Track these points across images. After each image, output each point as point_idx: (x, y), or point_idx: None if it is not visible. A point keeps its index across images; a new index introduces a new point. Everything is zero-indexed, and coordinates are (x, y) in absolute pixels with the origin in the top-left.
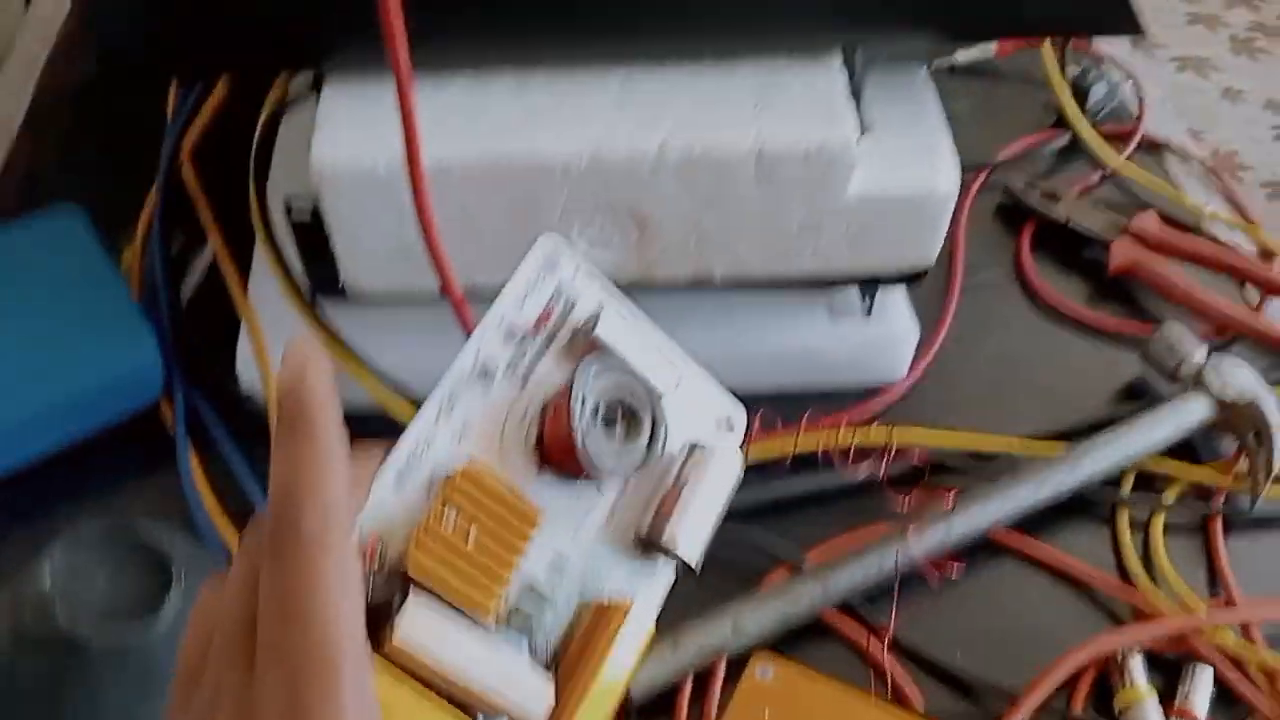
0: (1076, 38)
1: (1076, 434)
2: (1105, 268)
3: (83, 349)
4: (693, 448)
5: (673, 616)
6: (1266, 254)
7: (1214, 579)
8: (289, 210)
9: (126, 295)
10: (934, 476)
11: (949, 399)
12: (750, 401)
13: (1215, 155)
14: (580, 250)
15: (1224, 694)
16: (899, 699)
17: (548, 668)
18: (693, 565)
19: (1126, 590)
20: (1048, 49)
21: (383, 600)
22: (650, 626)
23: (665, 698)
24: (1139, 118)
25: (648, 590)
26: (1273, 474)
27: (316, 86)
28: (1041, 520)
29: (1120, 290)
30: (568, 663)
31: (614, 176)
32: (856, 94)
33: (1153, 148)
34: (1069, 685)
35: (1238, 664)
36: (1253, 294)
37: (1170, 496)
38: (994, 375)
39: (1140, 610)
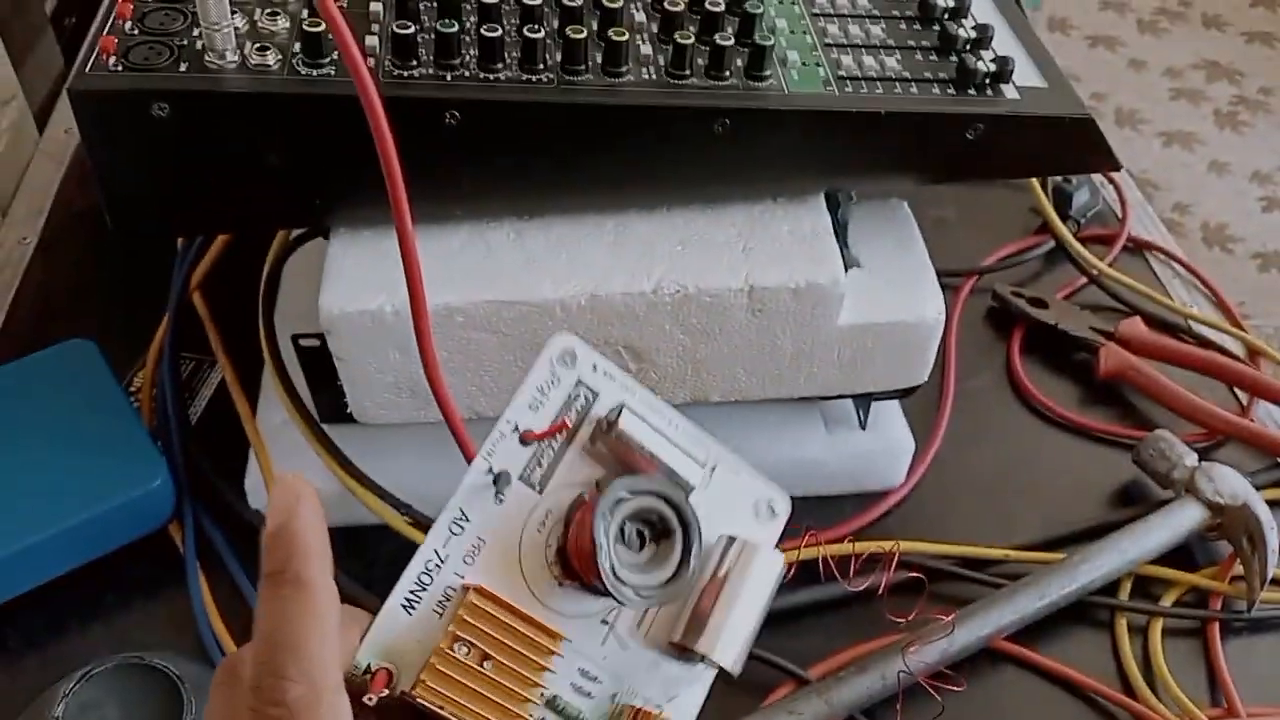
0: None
1: (1073, 540)
2: (1095, 371)
3: (95, 474)
4: (730, 540)
5: None
6: (1253, 355)
7: (1214, 686)
8: (296, 344)
9: (138, 421)
10: (934, 585)
11: (946, 506)
12: None
13: (1205, 228)
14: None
15: None
16: None
17: None
18: (732, 671)
19: (1127, 700)
20: None
21: None
22: None
23: None
24: (1122, 220)
25: (684, 699)
26: (1268, 577)
27: (324, 232)
28: (1041, 628)
29: (1112, 392)
30: None
31: (610, 315)
32: (841, 230)
33: (1137, 248)
34: None
35: None
36: (1242, 396)
37: (1168, 602)
38: (989, 481)
39: (1141, 718)
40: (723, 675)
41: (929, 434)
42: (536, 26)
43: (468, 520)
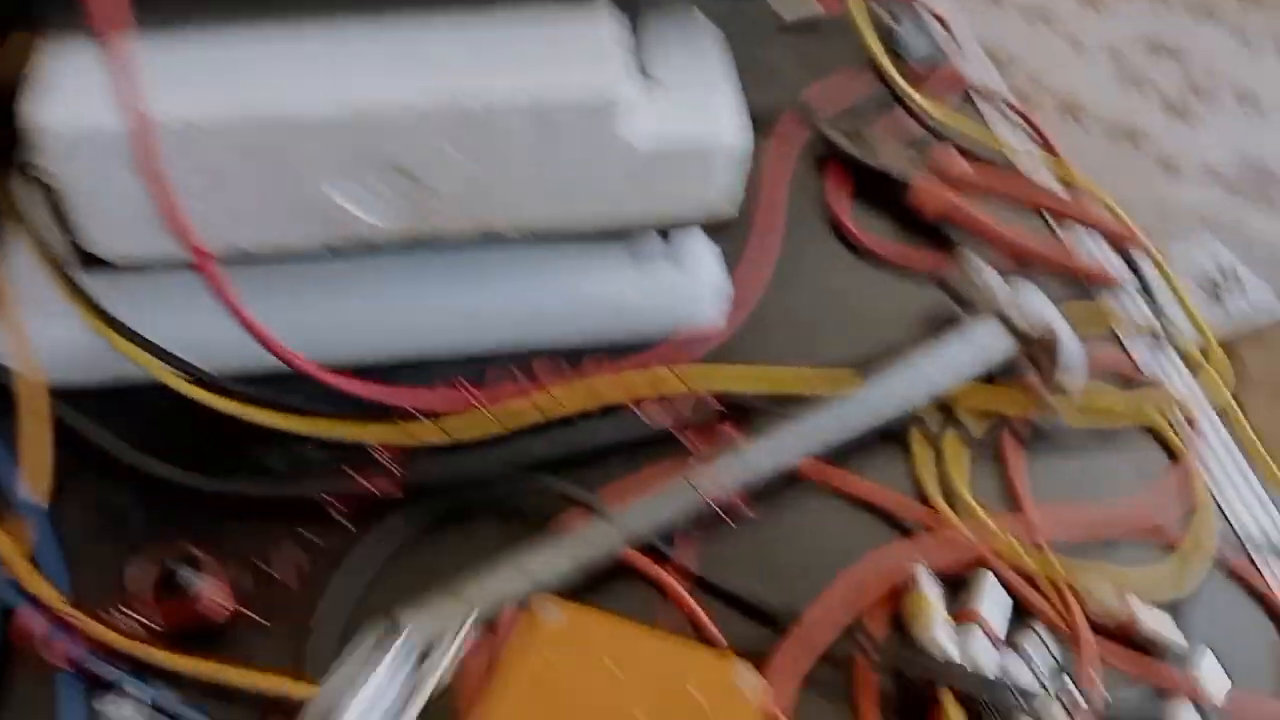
0: None
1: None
2: (912, 205)
3: None
4: None
5: (462, 568)
6: (1068, 184)
7: (1010, 498)
8: (25, 172)
9: None
10: (738, 420)
11: (762, 348)
12: (555, 352)
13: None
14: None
15: (1016, 607)
16: (700, 634)
17: None
18: None
19: (925, 513)
20: None
21: None
22: None
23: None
24: (949, 60)
25: None
26: (1064, 393)
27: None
28: (844, 452)
29: (930, 228)
30: None
31: (377, 131)
32: (635, 43)
33: (964, 88)
34: (862, 602)
35: (1029, 578)
36: (1055, 226)
37: (965, 418)
38: (807, 322)
39: (936, 529)
40: None
41: (744, 272)
42: None
43: None
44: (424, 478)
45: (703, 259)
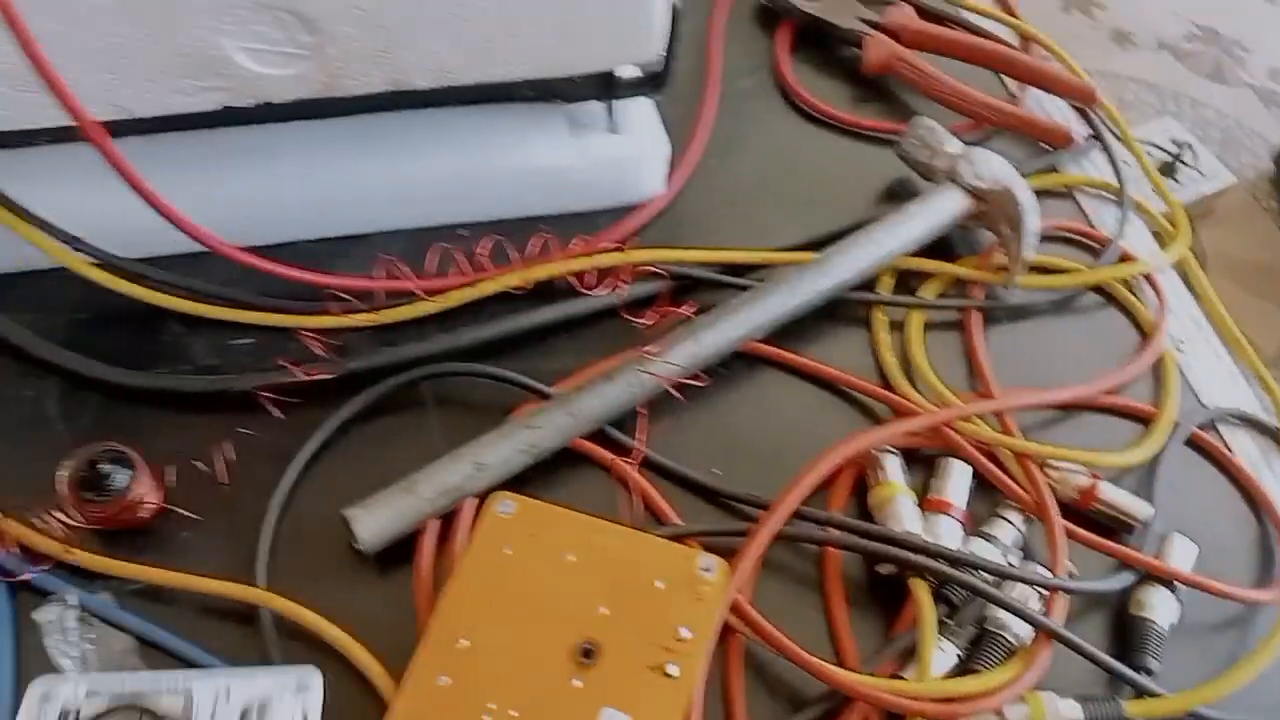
0: None
1: (836, 240)
2: (862, 64)
3: None
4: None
5: (413, 464)
6: (1025, 41)
7: (972, 374)
8: None
9: None
10: (694, 295)
11: (708, 215)
12: (495, 227)
13: None
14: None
15: (981, 485)
16: (655, 520)
17: None
18: None
19: (885, 392)
20: None
21: None
22: None
23: (406, 545)
24: None
25: None
26: (1027, 261)
27: None
28: (800, 329)
29: (882, 89)
30: None
31: None
32: None
33: None
34: (827, 488)
35: (993, 456)
36: (1011, 85)
37: (928, 294)
38: (753, 188)
39: (899, 410)
40: None
41: (689, 139)
42: None
43: None
44: (359, 366)
45: (646, 127)
